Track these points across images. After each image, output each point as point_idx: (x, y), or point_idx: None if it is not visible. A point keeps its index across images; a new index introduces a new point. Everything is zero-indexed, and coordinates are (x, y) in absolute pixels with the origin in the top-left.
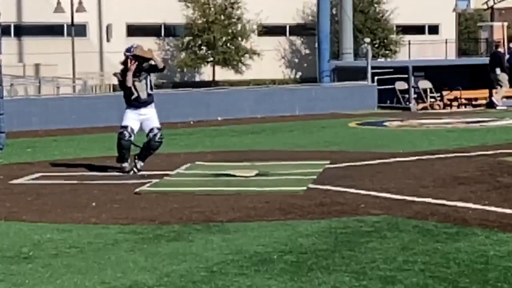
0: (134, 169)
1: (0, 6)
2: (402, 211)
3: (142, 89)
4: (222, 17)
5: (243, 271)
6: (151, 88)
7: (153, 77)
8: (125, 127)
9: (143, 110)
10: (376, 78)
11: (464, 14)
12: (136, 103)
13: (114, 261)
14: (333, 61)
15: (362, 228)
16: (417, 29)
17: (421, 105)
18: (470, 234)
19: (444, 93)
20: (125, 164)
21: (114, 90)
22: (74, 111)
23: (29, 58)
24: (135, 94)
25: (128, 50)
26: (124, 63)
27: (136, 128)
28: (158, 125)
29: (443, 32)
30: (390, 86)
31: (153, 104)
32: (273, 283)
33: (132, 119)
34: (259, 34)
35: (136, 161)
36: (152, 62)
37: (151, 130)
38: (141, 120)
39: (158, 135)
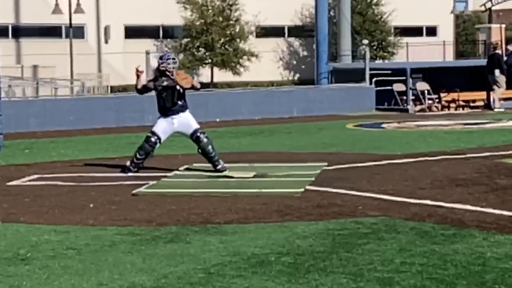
0: (223, 171)
1: None
2: (399, 213)
3: (168, 99)
4: (220, 19)
5: (241, 272)
6: (180, 99)
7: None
8: (154, 133)
9: (175, 118)
10: (374, 80)
11: (462, 16)
12: (163, 112)
13: (111, 263)
14: (331, 63)
15: (359, 229)
16: (415, 31)
17: (419, 107)
18: (467, 235)
19: (442, 95)
20: (131, 169)
21: (112, 91)
22: (72, 113)
23: (27, 60)
24: (161, 103)
25: (161, 58)
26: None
27: (163, 137)
28: (197, 126)
29: (441, 34)
30: (388, 88)
31: (186, 111)
32: (271, 285)
33: (163, 126)
34: (257, 36)
35: (217, 168)
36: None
37: (192, 134)
38: (177, 128)
39: (200, 136)
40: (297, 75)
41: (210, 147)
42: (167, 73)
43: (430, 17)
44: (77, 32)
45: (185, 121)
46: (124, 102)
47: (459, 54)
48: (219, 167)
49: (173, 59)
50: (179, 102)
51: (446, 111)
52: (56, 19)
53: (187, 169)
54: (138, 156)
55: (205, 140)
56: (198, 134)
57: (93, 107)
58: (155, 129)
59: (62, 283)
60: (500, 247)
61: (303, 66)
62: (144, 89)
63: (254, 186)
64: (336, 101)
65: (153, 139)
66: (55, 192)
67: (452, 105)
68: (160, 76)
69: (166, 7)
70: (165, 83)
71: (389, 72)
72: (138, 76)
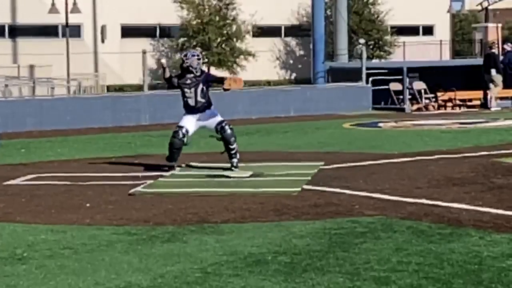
0: (233, 168)
1: None
2: (396, 212)
3: (191, 96)
4: (217, 18)
5: (237, 272)
6: (204, 97)
7: (147, 77)
8: (181, 127)
9: (200, 116)
10: (370, 79)
11: (458, 15)
12: (188, 109)
13: (108, 262)
14: (327, 62)
15: (356, 229)
16: (412, 30)
17: (415, 106)
18: (464, 235)
19: (439, 94)
20: (173, 163)
21: (108, 91)
22: (68, 112)
23: (24, 59)
24: (185, 100)
25: (185, 55)
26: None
27: (191, 129)
28: (221, 118)
29: (438, 33)
30: (384, 87)
31: (211, 107)
32: (267, 284)
33: (189, 121)
34: (254, 35)
35: (232, 160)
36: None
37: (217, 126)
38: (202, 123)
39: (225, 126)
40: (294, 75)
41: (233, 138)
42: (191, 69)
43: (427, 16)
44: (74, 31)
45: (210, 116)
46: (121, 102)
47: (455, 53)
48: (233, 161)
49: (198, 55)
50: (202, 100)
51: (442, 110)
52: (53, 19)
53: (183, 168)
54: (171, 152)
55: (229, 131)
56: (223, 124)
57: (90, 106)
58: (181, 123)
59: (59, 282)
60: (496, 246)
61: (299, 66)
62: (169, 83)
63: (250, 185)
64: (332, 101)
65: (180, 133)
66: (52, 191)
67: (449, 104)
68: (184, 73)
69: (163, 7)
70: (188, 81)
71: (386, 71)
72: (164, 69)
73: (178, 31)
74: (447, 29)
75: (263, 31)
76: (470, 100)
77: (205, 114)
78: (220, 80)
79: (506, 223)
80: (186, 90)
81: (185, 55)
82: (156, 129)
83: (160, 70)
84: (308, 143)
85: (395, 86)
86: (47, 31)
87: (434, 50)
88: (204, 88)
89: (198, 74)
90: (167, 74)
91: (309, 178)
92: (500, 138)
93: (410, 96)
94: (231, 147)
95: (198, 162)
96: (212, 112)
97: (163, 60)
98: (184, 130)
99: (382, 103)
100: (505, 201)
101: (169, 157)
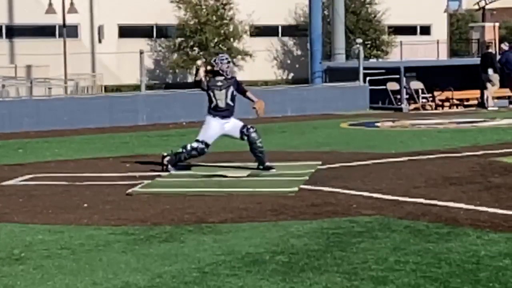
0: (272, 170)
1: None
2: (393, 212)
3: (221, 98)
4: (214, 18)
5: (235, 271)
6: (233, 100)
7: (144, 77)
8: (203, 142)
9: (227, 123)
10: (368, 78)
11: (455, 14)
12: (214, 111)
13: (105, 262)
14: (325, 62)
15: (353, 228)
16: (409, 30)
17: (412, 106)
18: (461, 234)
19: (436, 93)
20: (171, 167)
21: (105, 91)
22: (65, 112)
23: (21, 59)
24: (214, 102)
25: (215, 60)
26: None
27: (211, 141)
28: (242, 123)
29: (435, 32)
30: (382, 87)
31: (233, 116)
32: (265, 284)
33: (213, 131)
34: (251, 35)
35: (265, 166)
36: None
37: (241, 130)
38: (226, 131)
39: (250, 129)
40: (291, 74)
41: (259, 140)
42: (222, 72)
43: (424, 16)
44: (71, 31)
45: (234, 125)
46: (118, 102)
47: (452, 53)
48: (266, 165)
49: (227, 59)
50: (231, 103)
51: (440, 110)
52: (50, 19)
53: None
54: (181, 158)
55: (253, 134)
56: (248, 127)
57: (87, 107)
58: (204, 137)
59: (57, 283)
60: (494, 245)
61: (297, 65)
62: (199, 85)
63: (248, 185)
64: (330, 100)
65: (206, 149)
66: (49, 191)
67: (446, 103)
68: (214, 76)
69: (160, 7)
70: (219, 83)
71: (383, 71)
72: (197, 70)
73: (175, 31)
74: (444, 29)
75: (260, 31)
76: (467, 99)
77: (229, 122)
78: (243, 92)
79: (504, 222)
80: (216, 92)
81: (215, 61)
82: (153, 129)
83: (196, 74)
84: (305, 143)
85: (392, 86)
86: (44, 31)
87: (431, 50)
88: (234, 91)
89: (228, 77)
90: (199, 77)
91: (307, 177)
92: (498, 138)
93: (407, 96)
94: (259, 149)
95: (195, 162)
96: (235, 120)
97: (199, 62)
98: (205, 145)
99: (380, 102)
100: (502, 201)
101: (175, 161)
